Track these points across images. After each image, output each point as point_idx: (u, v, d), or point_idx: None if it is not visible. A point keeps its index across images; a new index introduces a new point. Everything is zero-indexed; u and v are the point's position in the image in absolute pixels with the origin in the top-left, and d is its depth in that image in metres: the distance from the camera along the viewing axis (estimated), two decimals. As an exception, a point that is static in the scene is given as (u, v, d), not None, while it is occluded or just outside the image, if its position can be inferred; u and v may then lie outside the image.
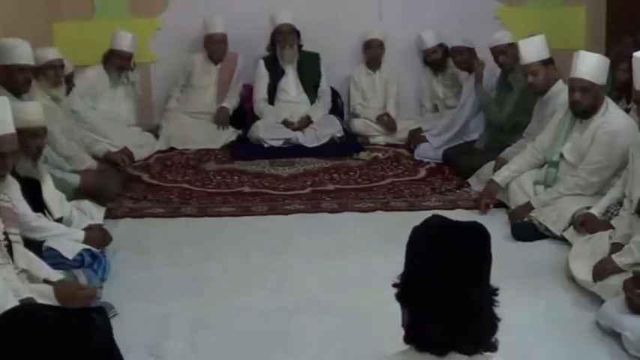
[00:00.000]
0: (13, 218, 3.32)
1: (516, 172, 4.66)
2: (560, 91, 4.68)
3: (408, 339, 1.78)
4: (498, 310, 1.79)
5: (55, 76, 4.99)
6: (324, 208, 4.91)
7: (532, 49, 4.76)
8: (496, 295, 1.78)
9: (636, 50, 3.78)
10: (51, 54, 5.05)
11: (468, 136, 5.82)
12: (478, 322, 1.73)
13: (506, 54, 5.41)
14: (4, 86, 4.34)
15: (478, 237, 1.78)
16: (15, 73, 4.37)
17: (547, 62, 4.78)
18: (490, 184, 4.75)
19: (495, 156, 5.07)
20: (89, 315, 1.44)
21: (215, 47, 6.45)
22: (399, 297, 1.78)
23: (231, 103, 6.52)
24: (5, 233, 3.20)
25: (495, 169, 4.85)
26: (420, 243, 1.78)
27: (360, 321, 3.35)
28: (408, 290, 1.77)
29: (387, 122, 6.40)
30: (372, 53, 6.58)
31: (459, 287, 1.71)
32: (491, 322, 1.76)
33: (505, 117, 5.34)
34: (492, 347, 1.76)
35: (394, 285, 1.79)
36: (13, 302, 2.92)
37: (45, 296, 3.17)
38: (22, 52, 4.41)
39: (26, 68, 4.43)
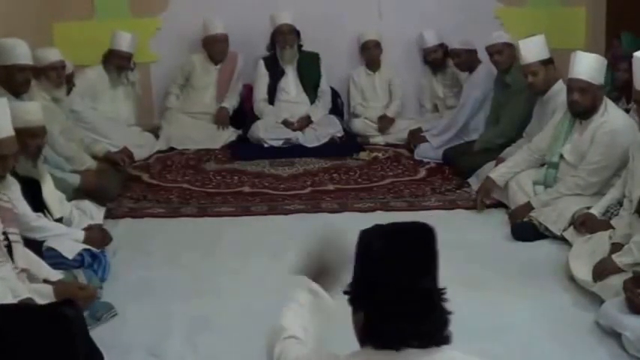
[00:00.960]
0: (13, 218, 3.32)
1: (513, 169, 4.67)
2: (560, 91, 4.68)
3: (363, 340, 1.82)
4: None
5: (57, 77, 5.00)
6: (324, 208, 4.91)
7: (532, 49, 4.76)
8: (444, 293, 1.80)
9: (624, 49, 3.81)
10: (53, 55, 5.04)
11: (468, 136, 5.82)
12: (429, 315, 1.77)
13: (501, 53, 5.40)
14: (4, 86, 4.35)
15: (423, 234, 1.82)
16: (14, 73, 4.38)
17: (547, 62, 4.78)
18: (486, 181, 4.76)
19: (495, 156, 5.08)
20: (59, 308, 1.46)
21: (216, 48, 6.44)
22: (351, 300, 1.83)
23: (230, 103, 6.52)
24: (5, 233, 3.20)
25: (496, 169, 4.85)
26: (365, 243, 1.83)
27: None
28: (359, 291, 1.81)
29: (381, 123, 6.39)
30: (370, 54, 6.57)
31: (408, 277, 1.75)
32: (443, 316, 1.79)
33: (517, 123, 5.27)
34: (446, 340, 1.79)
35: (345, 292, 1.86)
36: (11, 302, 2.92)
37: (45, 296, 3.17)
38: (22, 52, 4.42)
39: (26, 68, 4.43)
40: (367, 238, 1.84)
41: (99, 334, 3.18)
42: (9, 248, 3.19)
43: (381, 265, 1.78)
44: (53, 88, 4.95)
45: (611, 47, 5.61)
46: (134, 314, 3.51)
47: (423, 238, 1.82)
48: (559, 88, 4.72)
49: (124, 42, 6.05)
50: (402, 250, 1.79)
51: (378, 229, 1.84)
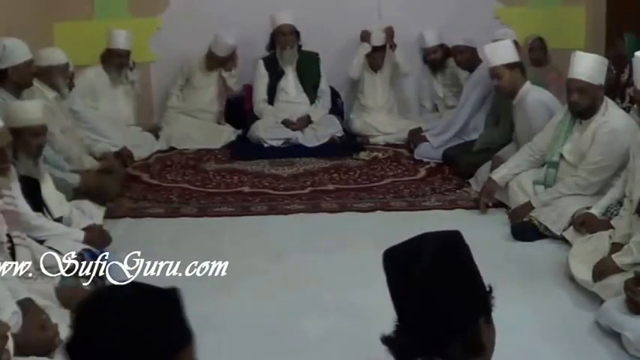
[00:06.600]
0: (17, 221, 3.31)
1: (514, 170, 4.67)
2: (527, 94, 4.80)
3: None
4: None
5: (63, 79, 5.05)
6: (324, 208, 4.91)
7: (497, 53, 4.91)
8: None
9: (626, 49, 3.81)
10: (59, 56, 5.07)
11: (468, 136, 5.81)
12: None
13: None
14: (6, 87, 4.36)
15: (448, 247, 1.71)
16: (23, 70, 4.42)
17: (512, 66, 4.84)
18: (488, 183, 4.76)
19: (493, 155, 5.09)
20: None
21: (218, 65, 6.44)
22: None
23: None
24: (8, 235, 3.19)
25: (492, 169, 4.85)
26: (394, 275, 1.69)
27: (360, 320, 3.35)
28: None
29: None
30: (376, 58, 6.48)
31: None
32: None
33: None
34: None
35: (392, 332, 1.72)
36: (10, 303, 2.92)
37: (46, 296, 3.17)
38: (25, 49, 4.47)
39: (31, 63, 4.49)
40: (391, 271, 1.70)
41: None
42: (12, 251, 3.19)
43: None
44: (58, 89, 4.97)
45: (613, 47, 5.60)
46: (134, 314, 3.51)
47: (449, 252, 1.71)
48: (526, 91, 4.83)
49: (121, 39, 6.06)
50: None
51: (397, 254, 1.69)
